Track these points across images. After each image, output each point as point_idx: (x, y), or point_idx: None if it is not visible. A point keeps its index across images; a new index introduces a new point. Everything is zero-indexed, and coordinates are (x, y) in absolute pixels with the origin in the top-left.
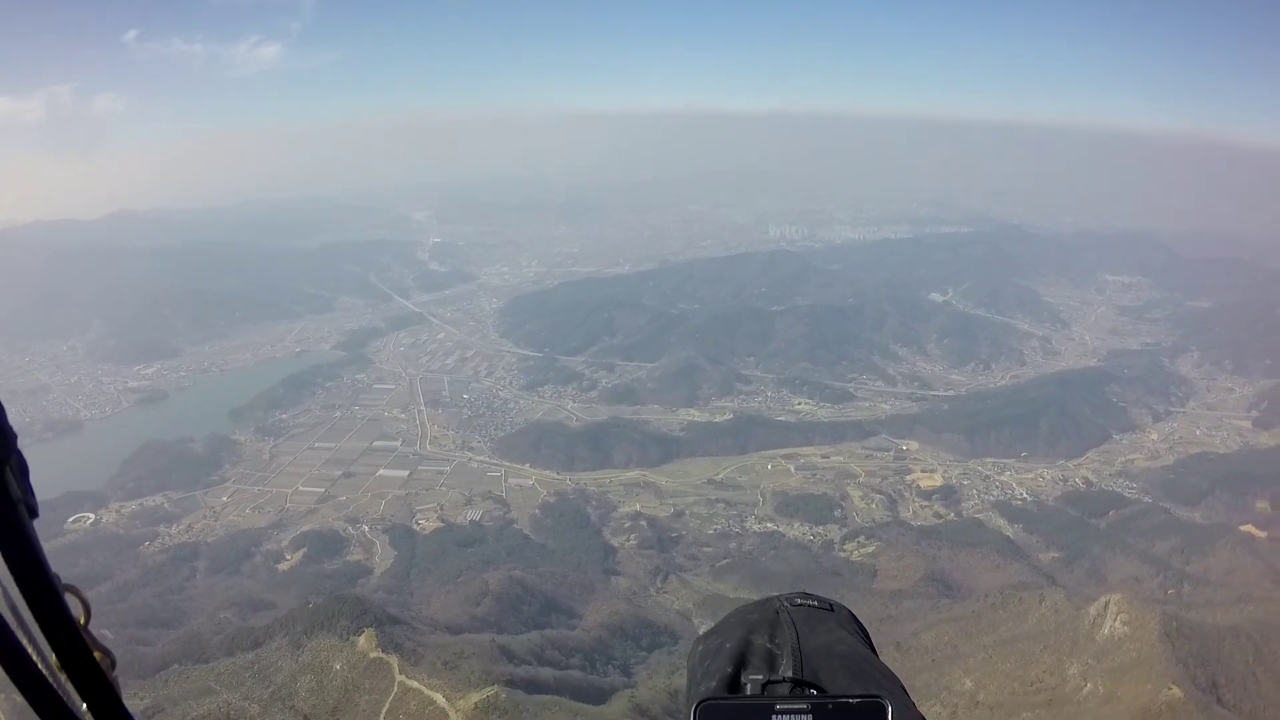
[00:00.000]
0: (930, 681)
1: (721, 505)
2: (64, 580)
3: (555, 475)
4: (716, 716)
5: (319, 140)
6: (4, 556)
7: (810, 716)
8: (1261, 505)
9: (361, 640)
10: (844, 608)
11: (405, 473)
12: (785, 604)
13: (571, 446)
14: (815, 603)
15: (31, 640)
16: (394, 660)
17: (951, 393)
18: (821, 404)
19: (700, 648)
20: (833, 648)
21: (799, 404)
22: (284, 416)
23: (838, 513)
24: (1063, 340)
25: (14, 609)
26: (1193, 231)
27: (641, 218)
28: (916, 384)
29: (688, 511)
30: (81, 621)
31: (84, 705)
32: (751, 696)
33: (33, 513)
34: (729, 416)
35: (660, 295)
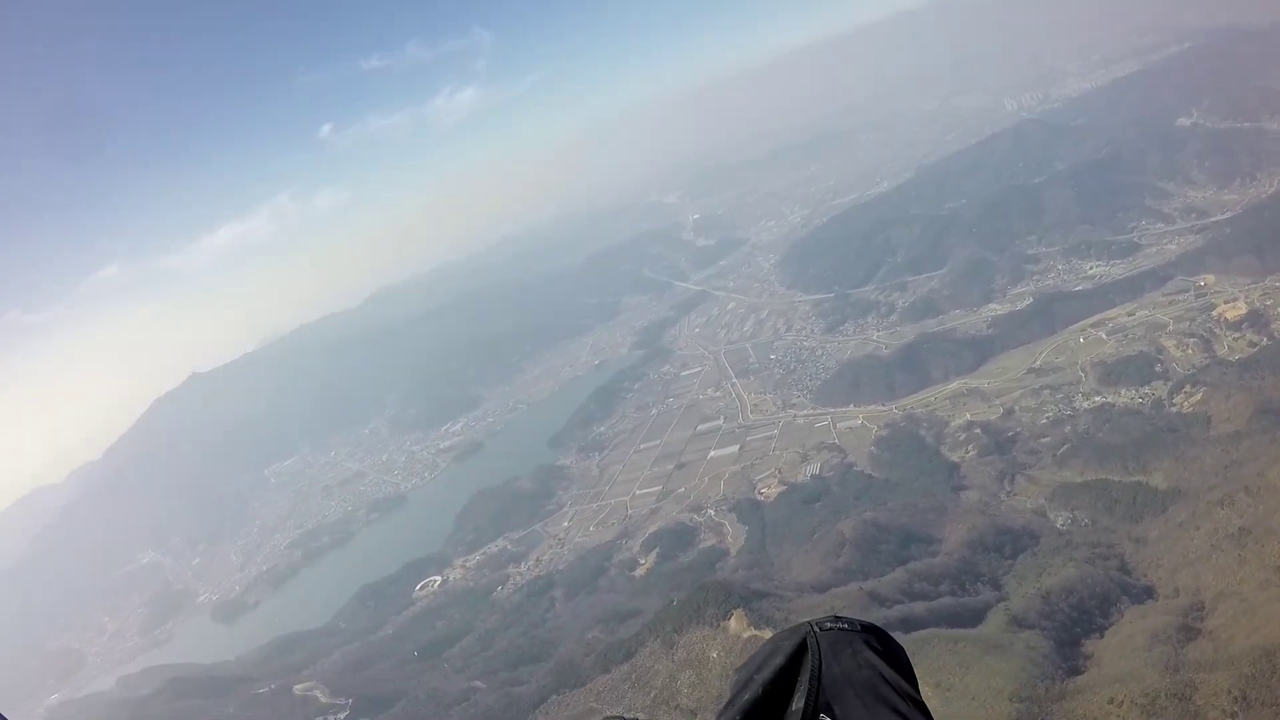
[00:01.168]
0: None
1: (1047, 392)
2: None
3: (880, 408)
4: None
5: (548, 164)
6: None
7: None
8: None
9: (732, 623)
10: (875, 628)
11: (735, 448)
12: (815, 629)
13: (888, 375)
14: (845, 625)
15: None
16: (768, 634)
17: (1229, 214)
18: (1112, 262)
19: (734, 678)
20: (853, 675)
21: (1091, 268)
22: (602, 429)
23: (1158, 368)
24: None
25: None
26: None
27: (882, 135)
28: (1194, 215)
29: (1017, 407)
30: None
31: None
32: None
33: None
34: (1029, 301)
35: (925, 201)
